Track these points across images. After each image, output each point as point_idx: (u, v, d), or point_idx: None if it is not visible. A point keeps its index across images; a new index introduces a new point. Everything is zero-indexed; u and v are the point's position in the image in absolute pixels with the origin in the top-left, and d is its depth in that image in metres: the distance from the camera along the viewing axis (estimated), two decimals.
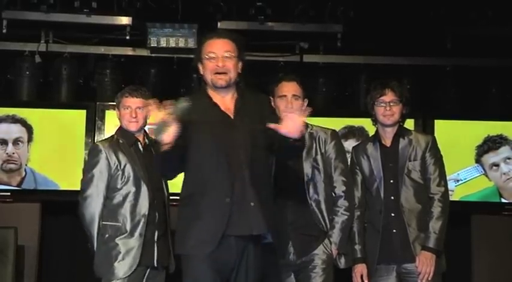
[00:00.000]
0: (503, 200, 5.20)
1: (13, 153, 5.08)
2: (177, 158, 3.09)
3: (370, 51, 5.44)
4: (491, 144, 5.21)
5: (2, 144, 5.09)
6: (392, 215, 3.59)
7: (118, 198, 3.67)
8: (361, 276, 3.61)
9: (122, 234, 3.63)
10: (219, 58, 3.13)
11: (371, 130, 4.96)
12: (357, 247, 3.64)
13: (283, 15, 5.26)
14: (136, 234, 3.63)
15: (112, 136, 3.85)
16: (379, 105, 3.63)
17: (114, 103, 3.88)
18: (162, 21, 5.14)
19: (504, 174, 5.20)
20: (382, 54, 5.43)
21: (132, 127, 3.75)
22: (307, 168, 3.60)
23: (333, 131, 3.76)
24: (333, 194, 3.62)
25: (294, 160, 3.50)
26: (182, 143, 3.06)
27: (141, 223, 3.64)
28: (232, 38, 3.21)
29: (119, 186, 3.68)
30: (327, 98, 5.38)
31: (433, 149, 3.66)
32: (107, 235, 3.65)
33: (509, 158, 5.22)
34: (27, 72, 5.27)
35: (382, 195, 3.62)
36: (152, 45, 5.14)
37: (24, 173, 5.07)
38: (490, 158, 5.20)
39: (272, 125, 3.02)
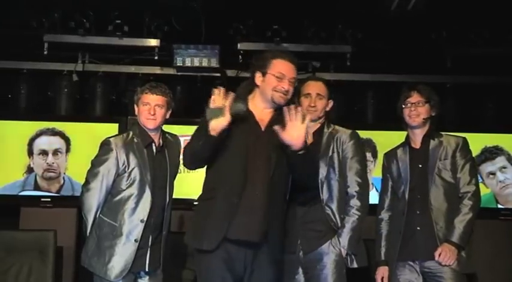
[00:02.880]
0: (499, 206, 5.33)
1: (53, 163, 5.24)
2: (209, 150, 3.07)
3: (376, 69, 5.59)
4: (488, 154, 5.34)
5: (42, 155, 5.24)
6: (418, 212, 3.51)
7: (120, 197, 3.53)
8: (382, 279, 3.61)
9: (118, 236, 3.49)
10: (286, 81, 3.16)
11: (378, 142, 5.15)
12: (382, 250, 3.63)
13: (297, 37, 5.40)
14: (132, 239, 3.49)
15: (128, 133, 3.64)
16: (406, 106, 3.58)
17: None
18: (187, 43, 5.28)
19: (500, 182, 5.34)
20: (388, 72, 5.56)
21: (150, 125, 3.53)
22: (322, 166, 3.50)
23: (353, 131, 3.66)
24: (346, 194, 3.54)
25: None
26: (219, 139, 3.06)
27: (138, 228, 3.50)
28: (296, 63, 3.24)
29: (123, 187, 3.53)
30: (336, 112, 5.10)
31: (464, 149, 3.58)
32: (104, 229, 3.53)
33: (504, 167, 5.35)
34: (66, 90, 5.48)
35: (406, 195, 3.54)
36: (178, 64, 5.30)
37: (62, 181, 5.24)
38: (487, 167, 5.34)
39: (276, 128, 3.02)
